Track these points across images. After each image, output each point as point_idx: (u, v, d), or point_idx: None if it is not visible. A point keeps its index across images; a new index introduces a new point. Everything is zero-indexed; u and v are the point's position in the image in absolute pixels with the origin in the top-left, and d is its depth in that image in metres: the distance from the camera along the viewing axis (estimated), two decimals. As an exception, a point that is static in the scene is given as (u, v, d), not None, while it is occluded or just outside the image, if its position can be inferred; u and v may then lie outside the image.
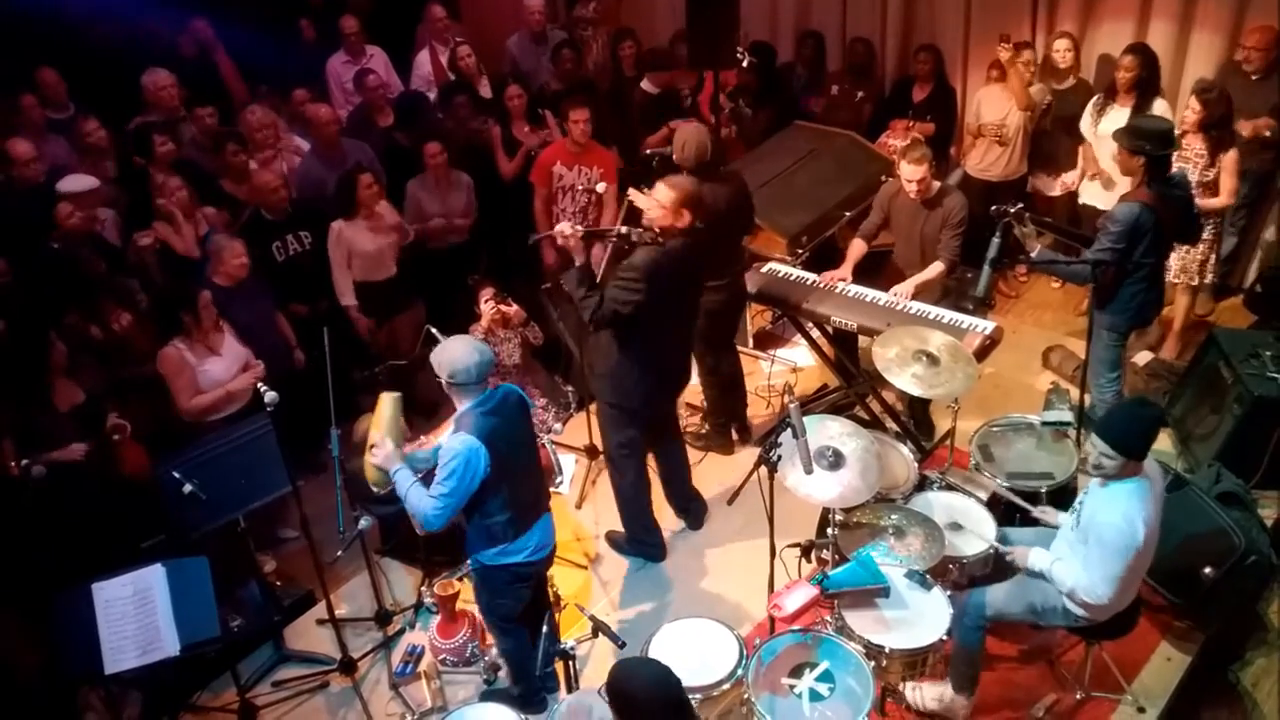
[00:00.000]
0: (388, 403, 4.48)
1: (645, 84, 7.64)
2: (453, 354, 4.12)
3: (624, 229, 5.11)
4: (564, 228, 4.98)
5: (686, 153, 5.52)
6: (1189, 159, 6.22)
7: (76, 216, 5.86)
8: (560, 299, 5.96)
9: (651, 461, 5.63)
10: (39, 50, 7.15)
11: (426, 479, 4.22)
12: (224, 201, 6.56)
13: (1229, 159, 6.19)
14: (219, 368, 5.47)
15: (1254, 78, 6.56)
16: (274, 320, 6.13)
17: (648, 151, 6.66)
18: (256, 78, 7.53)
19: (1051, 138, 7.26)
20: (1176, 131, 6.24)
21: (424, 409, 6.10)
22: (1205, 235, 6.37)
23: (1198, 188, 6.15)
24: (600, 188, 6.39)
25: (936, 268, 5.88)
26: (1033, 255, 5.39)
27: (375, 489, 4.53)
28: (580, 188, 6.76)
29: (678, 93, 7.78)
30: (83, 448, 5.05)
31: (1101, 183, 6.88)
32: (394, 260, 6.68)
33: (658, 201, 4.92)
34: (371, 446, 4.35)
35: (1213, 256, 6.56)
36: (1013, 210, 5.16)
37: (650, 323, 4.95)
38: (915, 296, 5.88)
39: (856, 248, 6.21)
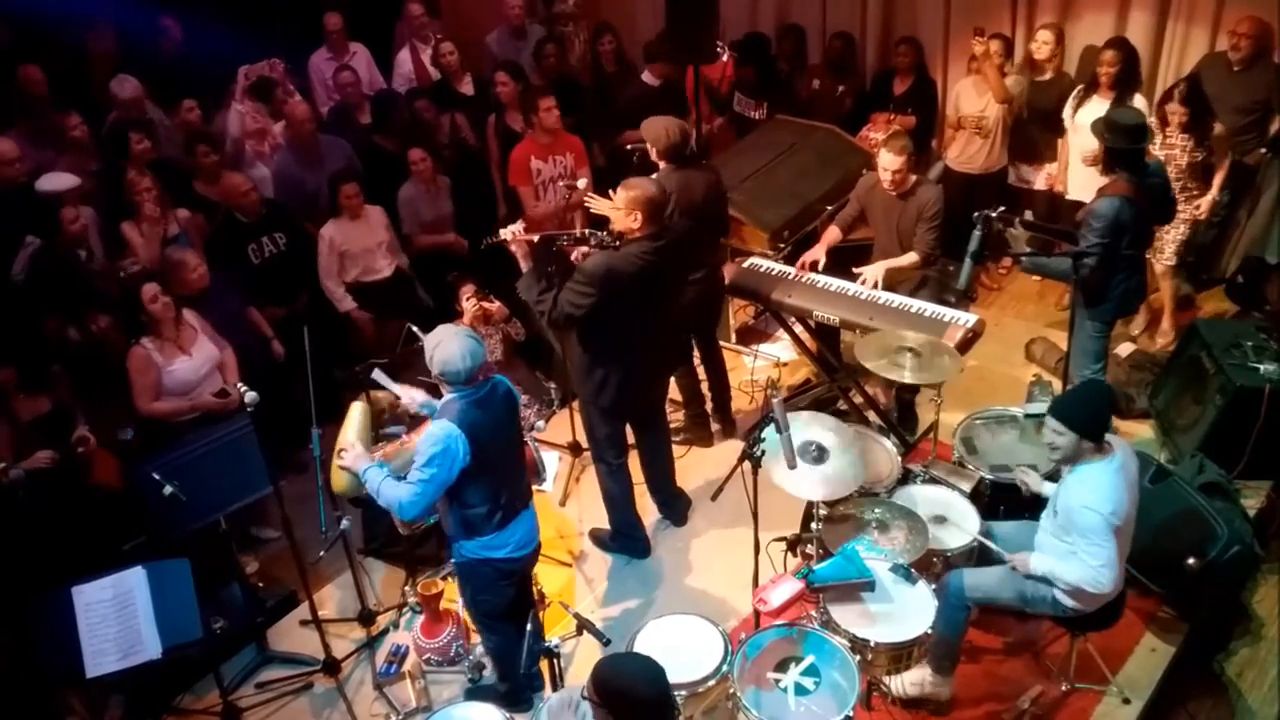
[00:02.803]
0: (357, 411, 4.53)
1: (646, 76, 7.59)
2: (448, 351, 4.07)
3: (583, 232, 5.09)
4: (514, 229, 4.97)
5: (658, 140, 5.51)
6: (1175, 144, 6.29)
7: (80, 222, 5.84)
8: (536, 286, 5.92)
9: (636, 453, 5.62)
10: (19, 49, 7.10)
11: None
12: (198, 203, 6.51)
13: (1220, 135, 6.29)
14: (187, 368, 5.46)
15: (1235, 69, 6.57)
16: (245, 318, 6.09)
17: (628, 146, 6.64)
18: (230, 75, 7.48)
19: (1029, 129, 7.26)
20: (1153, 121, 6.30)
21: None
22: (1184, 215, 6.43)
23: (1187, 169, 6.28)
24: (581, 183, 6.36)
25: (909, 257, 5.88)
26: (1022, 260, 5.40)
27: (345, 497, 4.52)
28: (562, 183, 6.74)
29: (680, 85, 7.72)
30: (49, 454, 4.99)
31: (1079, 179, 6.90)
32: (388, 260, 6.71)
33: (613, 204, 4.91)
34: (340, 451, 4.35)
35: (1190, 235, 6.62)
36: (994, 214, 5.17)
37: (617, 325, 4.93)
38: (894, 289, 5.88)
39: (831, 234, 6.21)
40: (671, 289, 5.22)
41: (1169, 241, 6.53)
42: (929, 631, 4.34)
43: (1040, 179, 7.33)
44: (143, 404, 5.39)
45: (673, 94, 7.54)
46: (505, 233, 4.98)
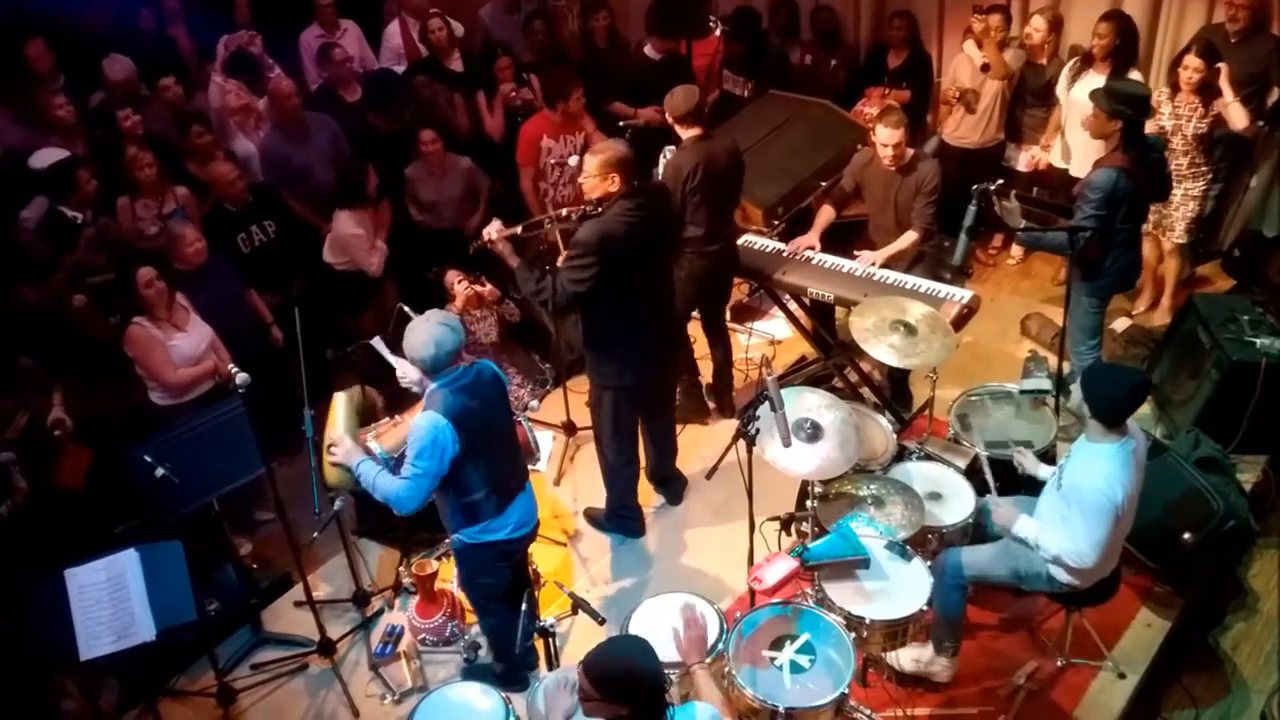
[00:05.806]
0: (340, 402, 4.47)
1: (648, 49, 7.51)
2: (414, 338, 4.04)
3: (561, 212, 5.05)
4: (490, 230, 4.91)
5: (677, 108, 5.45)
6: (1182, 115, 6.22)
7: (93, 183, 5.83)
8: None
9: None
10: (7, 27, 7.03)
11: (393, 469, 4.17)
12: (191, 183, 6.43)
13: (1228, 94, 6.20)
14: (187, 344, 5.37)
15: (1233, 40, 6.52)
16: (242, 299, 6.03)
17: (620, 124, 6.59)
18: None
19: (1016, 108, 7.20)
20: (1163, 92, 6.28)
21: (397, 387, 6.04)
22: (1195, 192, 6.39)
23: (1194, 141, 6.22)
24: (573, 161, 6.30)
25: (909, 237, 5.85)
26: (1019, 234, 5.37)
27: (339, 489, 4.49)
28: (552, 161, 6.68)
29: (682, 58, 7.59)
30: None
31: (1061, 152, 6.87)
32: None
33: (587, 172, 4.86)
34: (330, 446, 4.32)
35: (1200, 212, 6.56)
36: (993, 187, 5.13)
37: (618, 294, 4.89)
38: (890, 266, 5.84)
39: (825, 214, 6.17)
40: (662, 246, 5.16)
41: (1179, 219, 6.48)
42: (924, 608, 4.33)
43: (1023, 160, 7.27)
44: (169, 376, 5.28)
45: (675, 67, 7.42)
46: (487, 233, 4.92)
